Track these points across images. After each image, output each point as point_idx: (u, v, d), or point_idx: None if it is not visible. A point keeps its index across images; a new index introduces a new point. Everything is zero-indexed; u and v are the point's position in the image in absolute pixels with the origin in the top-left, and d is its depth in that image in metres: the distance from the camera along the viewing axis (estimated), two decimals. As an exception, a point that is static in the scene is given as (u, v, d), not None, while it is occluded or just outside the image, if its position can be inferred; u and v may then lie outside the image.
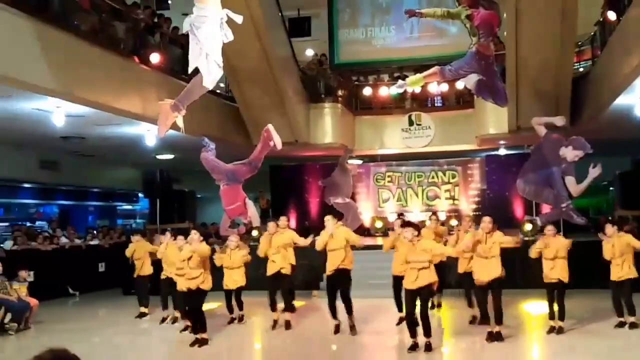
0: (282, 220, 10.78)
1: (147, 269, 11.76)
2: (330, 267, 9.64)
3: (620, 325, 9.37)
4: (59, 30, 10.25)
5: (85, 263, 15.39)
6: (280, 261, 10.18)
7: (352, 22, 19.08)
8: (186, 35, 5.85)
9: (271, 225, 10.57)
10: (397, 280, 9.53)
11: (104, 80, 11.37)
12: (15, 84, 9.43)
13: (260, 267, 10.59)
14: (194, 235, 9.45)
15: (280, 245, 10.26)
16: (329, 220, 9.87)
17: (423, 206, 19.24)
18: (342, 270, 9.59)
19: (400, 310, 9.78)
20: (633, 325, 9.27)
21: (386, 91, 18.81)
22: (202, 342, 8.97)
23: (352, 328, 9.54)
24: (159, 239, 11.46)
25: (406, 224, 8.89)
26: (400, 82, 11.10)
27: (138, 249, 11.74)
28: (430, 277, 8.21)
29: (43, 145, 15.80)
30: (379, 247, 12.06)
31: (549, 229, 9.40)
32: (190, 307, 9.18)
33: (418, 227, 8.66)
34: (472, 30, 8.70)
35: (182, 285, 9.20)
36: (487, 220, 9.06)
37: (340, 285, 9.61)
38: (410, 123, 18.54)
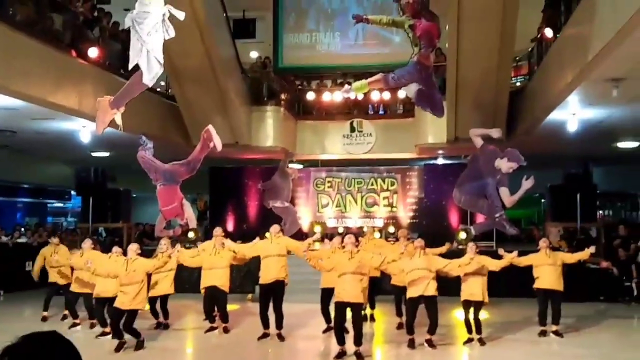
0: (217, 231, 10.62)
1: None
2: (266, 277, 9.54)
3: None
4: (-8, 19, 9.84)
5: (12, 261, 14.83)
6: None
7: (297, 27, 19.05)
8: (126, 31, 5.72)
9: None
10: (326, 293, 9.56)
11: (39, 73, 10.98)
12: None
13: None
14: (133, 247, 9.26)
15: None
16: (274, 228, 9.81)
17: (362, 212, 19.36)
18: (278, 282, 9.51)
19: (328, 321, 9.80)
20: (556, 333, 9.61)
21: (329, 97, 18.88)
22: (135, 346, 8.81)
23: (280, 337, 9.52)
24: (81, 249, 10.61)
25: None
26: (346, 86, 11.18)
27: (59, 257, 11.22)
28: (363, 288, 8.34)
29: (-29, 138, 15.17)
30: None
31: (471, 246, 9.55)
32: (126, 322, 8.88)
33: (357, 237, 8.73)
34: (415, 40, 8.84)
35: (124, 302, 8.88)
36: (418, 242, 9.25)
37: (274, 297, 9.53)
38: (352, 129, 18.65)
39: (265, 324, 9.58)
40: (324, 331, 9.90)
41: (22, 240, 16.04)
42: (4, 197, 21.73)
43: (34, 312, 11.67)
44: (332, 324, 9.00)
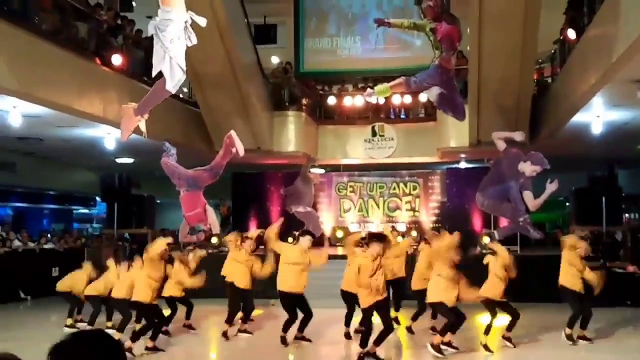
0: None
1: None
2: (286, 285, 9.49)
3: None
4: (19, 29, 10.01)
5: (39, 267, 15.03)
6: None
7: (318, 32, 19.12)
8: (149, 38, 5.79)
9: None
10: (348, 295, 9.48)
11: (64, 80, 11.16)
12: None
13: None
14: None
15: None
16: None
17: (384, 217, 19.32)
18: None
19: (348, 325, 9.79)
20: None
21: (350, 101, 18.90)
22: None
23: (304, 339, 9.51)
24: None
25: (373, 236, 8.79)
26: (369, 90, 11.20)
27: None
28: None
29: (-1, 146, 15.44)
30: (340, 257, 12.03)
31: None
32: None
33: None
34: (436, 44, 8.83)
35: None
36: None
37: (300, 305, 9.52)
38: (374, 134, 18.64)
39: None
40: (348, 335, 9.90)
41: (49, 246, 16.25)
42: (31, 204, 22.05)
43: (60, 318, 11.79)
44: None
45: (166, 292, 10.34)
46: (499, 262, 9.25)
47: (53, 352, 1.75)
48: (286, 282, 9.43)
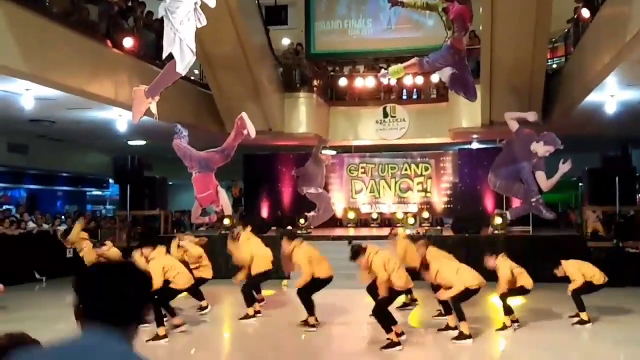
0: None
1: None
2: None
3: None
4: (30, 12, 10.03)
5: (53, 248, 15.17)
6: None
7: (329, 12, 19.00)
8: (160, 20, 5.79)
9: None
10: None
11: (75, 63, 11.18)
12: (-17, 64, 9.24)
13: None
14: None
15: None
16: None
17: (395, 198, 19.31)
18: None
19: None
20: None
21: (362, 82, 18.83)
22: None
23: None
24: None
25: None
26: (383, 71, 11.16)
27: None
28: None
29: (12, 129, 15.53)
30: (351, 238, 12.06)
31: None
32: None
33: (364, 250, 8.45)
34: (448, 24, 8.79)
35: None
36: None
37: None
38: (385, 115, 18.57)
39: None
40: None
41: (63, 227, 16.39)
42: (45, 186, 22.22)
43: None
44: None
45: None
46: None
47: (80, 279, 1.82)
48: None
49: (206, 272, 10.24)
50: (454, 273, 8.53)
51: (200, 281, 10.04)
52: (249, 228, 10.74)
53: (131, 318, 1.76)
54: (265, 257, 10.10)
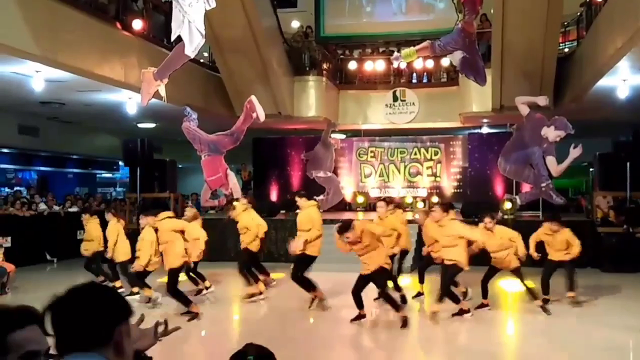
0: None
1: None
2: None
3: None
4: (39, -7, 10.03)
5: (64, 230, 15.29)
6: None
7: (339, -5, 18.91)
8: (169, 2, 5.76)
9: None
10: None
11: (85, 45, 11.18)
12: (-6, 46, 9.25)
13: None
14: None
15: None
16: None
17: (405, 182, 19.28)
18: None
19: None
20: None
21: (371, 66, 18.74)
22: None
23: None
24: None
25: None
26: (395, 54, 11.10)
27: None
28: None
29: (22, 110, 15.60)
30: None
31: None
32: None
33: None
34: (459, 7, 8.71)
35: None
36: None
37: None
38: (395, 99, 18.50)
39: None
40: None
41: (74, 209, 16.50)
42: (55, 168, 22.34)
43: (84, 279, 12.04)
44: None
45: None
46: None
47: (52, 307, 1.78)
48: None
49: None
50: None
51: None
52: (244, 200, 10.89)
53: (104, 340, 1.74)
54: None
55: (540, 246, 9.60)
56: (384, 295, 8.49)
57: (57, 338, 1.74)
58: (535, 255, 9.36)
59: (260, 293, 10.23)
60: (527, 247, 9.22)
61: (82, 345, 1.72)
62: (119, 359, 1.77)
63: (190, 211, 10.66)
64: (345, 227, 8.20)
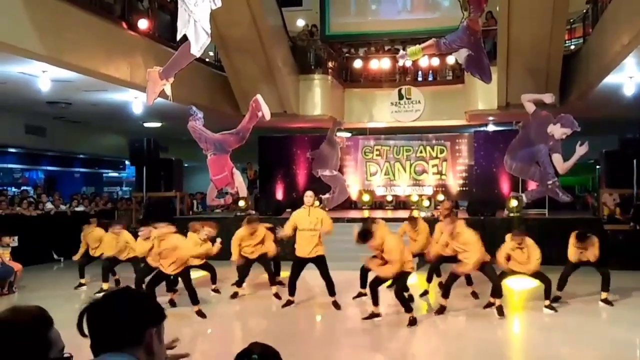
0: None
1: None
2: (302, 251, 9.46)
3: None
4: (45, -7, 10.06)
5: (71, 229, 15.33)
6: None
7: (344, -7, 18.90)
8: (175, 2, 5.77)
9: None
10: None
11: (91, 45, 11.22)
12: (0, 46, 9.28)
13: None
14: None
15: None
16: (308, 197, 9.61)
17: (410, 181, 19.26)
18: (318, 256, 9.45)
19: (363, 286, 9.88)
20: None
21: (377, 64, 18.72)
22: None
23: (336, 304, 9.51)
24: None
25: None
26: (401, 52, 11.09)
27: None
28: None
29: (29, 110, 15.67)
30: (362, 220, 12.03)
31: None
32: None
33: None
34: (464, 4, 8.69)
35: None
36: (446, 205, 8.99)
37: (318, 268, 9.53)
38: (400, 97, 18.49)
39: (292, 292, 9.57)
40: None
41: (80, 209, 16.56)
42: (62, 167, 22.42)
43: (91, 278, 12.07)
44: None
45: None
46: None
47: (88, 309, 1.89)
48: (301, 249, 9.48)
49: None
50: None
51: None
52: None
53: (135, 342, 1.85)
54: None
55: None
56: (398, 296, 8.50)
57: (92, 338, 1.86)
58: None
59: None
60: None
61: (114, 346, 1.83)
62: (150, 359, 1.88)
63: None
64: (364, 234, 8.18)
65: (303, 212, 9.52)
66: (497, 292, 8.97)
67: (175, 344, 2.42)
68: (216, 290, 10.82)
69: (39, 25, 9.79)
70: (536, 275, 9.17)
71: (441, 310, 8.99)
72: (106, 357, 1.81)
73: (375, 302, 8.61)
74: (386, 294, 9.28)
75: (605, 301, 9.46)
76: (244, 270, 10.40)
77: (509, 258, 9.10)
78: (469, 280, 10.08)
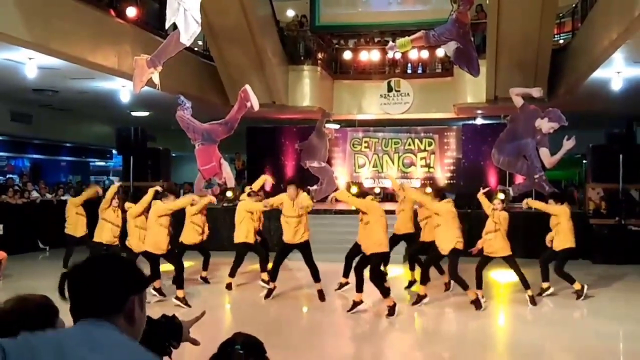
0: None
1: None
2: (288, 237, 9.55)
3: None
4: (32, -21, 9.94)
5: (56, 218, 15.22)
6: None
7: (335, -16, 18.84)
8: (163, -11, 5.72)
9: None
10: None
11: (78, 32, 11.11)
12: (-14, 32, 9.19)
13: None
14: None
15: None
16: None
17: (398, 173, 19.30)
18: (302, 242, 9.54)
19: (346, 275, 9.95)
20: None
21: (366, 56, 18.69)
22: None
23: (321, 294, 9.57)
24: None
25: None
26: (390, 44, 11.06)
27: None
28: None
29: (15, 97, 15.52)
30: (351, 212, 12.02)
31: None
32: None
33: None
34: (454, -3, 8.68)
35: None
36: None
37: (303, 255, 9.60)
38: (389, 89, 18.47)
39: (274, 277, 9.67)
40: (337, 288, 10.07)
41: (66, 197, 16.44)
42: (48, 156, 22.25)
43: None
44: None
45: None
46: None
47: (70, 273, 1.82)
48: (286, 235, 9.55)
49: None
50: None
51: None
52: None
53: (116, 308, 1.78)
54: None
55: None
56: (373, 280, 8.53)
57: (72, 302, 1.79)
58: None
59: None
60: None
61: (94, 311, 1.76)
62: (130, 327, 1.80)
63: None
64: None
65: (288, 200, 9.55)
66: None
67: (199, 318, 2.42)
68: (205, 279, 10.81)
69: (25, 12, 9.68)
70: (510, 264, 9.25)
71: (419, 299, 9.08)
72: (86, 324, 1.74)
73: (360, 288, 8.63)
74: (369, 285, 9.32)
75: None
76: (241, 259, 10.46)
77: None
78: (440, 270, 10.17)
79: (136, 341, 1.81)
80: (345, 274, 9.91)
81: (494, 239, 9.16)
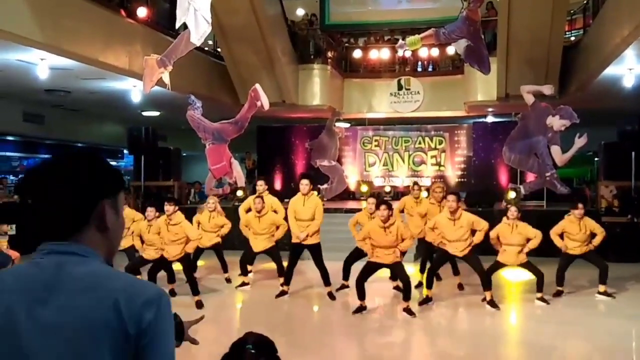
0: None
1: None
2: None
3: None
4: (43, -20, 10.00)
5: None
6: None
7: (344, -17, 18.82)
8: (173, -11, 5.74)
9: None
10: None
11: (89, 33, 11.17)
12: (-2, 34, 9.24)
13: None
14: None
15: None
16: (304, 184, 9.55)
17: (409, 171, 19.26)
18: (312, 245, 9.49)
19: (345, 278, 9.93)
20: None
21: (376, 54, 18.67)
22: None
23: (331, 295, 9.56)
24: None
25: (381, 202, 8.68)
26: (400, 42, 11.04)
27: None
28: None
29: (27, 98, 15.62)
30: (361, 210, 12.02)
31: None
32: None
33: (391, 206, 8.49)
34: (464, -6, 8.64)
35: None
36: (451, 199, 8.95)
37: (312, 257, 9.57)
38: (400, 87, 18.44)
39: (288, 280, 9.63)
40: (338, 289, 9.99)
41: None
42: (60, 156, 22.35)
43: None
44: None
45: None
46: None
47: (34, 172, 1.55)
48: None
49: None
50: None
51: None
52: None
53: (84, 218, 1.49)
54: None
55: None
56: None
57: (33, 211, 1.53)
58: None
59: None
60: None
61: (56, 225, 1.49)
62: (103, 237, 1.53)
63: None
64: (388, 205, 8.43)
65: (299, 200, 9.53)
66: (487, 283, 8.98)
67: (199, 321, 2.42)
68: (228, 280, 10.84)
69: (37, 13, 9.74)
70: (527, 266, 9.22)
71: (424, 301, 9.06)
72: (50, 256, 1.47)
73: (362, 296, 8.57)
74: (379, 285, 9.31)
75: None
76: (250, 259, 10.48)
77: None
78: (455, 271, 10.19)
79: (108, 263, 1.53)
80: (345, 278, 9.95)
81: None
